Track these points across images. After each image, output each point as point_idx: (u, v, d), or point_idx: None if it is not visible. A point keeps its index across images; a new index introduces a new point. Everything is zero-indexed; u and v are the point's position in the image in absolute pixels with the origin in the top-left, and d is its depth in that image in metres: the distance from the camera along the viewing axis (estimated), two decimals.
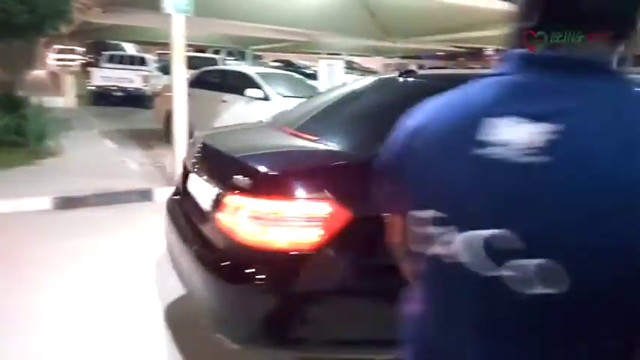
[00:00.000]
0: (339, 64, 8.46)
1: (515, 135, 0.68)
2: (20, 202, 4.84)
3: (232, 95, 7.93)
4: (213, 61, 15.38)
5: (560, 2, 0.72)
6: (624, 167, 0.63)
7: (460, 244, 0.72)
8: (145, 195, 5.38)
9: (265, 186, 1.98)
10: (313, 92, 8.51)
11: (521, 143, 0.67)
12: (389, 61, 21.29)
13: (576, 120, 0.67)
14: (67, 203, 4.98)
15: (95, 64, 15.59)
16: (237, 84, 7.92)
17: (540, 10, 0.73)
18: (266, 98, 7.56)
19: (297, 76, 9.77)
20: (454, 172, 0.74)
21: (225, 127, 3.88)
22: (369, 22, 9.20)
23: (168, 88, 7.52)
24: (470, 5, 7.31)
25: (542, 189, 0.66)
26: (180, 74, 5.50)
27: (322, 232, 1.89)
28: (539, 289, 0.66)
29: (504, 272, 0.68)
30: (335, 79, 7.93)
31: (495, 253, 0.68)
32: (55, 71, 16.92)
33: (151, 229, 4.45)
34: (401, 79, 2.77)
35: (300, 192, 1.93)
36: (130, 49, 20.05)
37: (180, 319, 2.92)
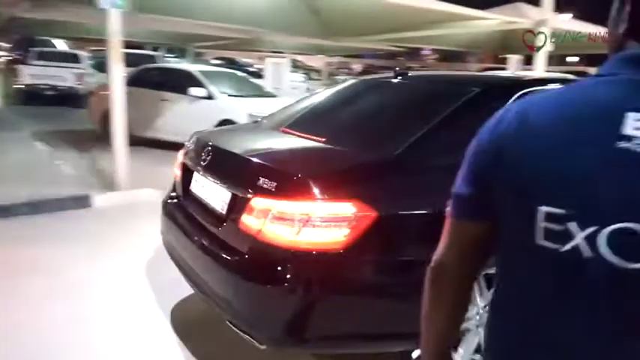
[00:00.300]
0: (285, 63, 8.38)
1: None
2: None
3: (174, 94, 7.72)
4: (152, 59, 14.86)
5: None
6: None
7: (587, 239, 0.71)
8: (82, 201, 5.04)
9: (292, 188, 2.03)
10: (258, 91, 8.42)
11: None
12: (331, 59, 21.44)
13: None
14: None
15: (23, 62, 14.65)
16: (180, 82, 7.72)
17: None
18: (210, 97, 7.40)
19: (240, 74, 9.63)
20: (587, 167, 0.72)
21: (222, 128, 3.89)
22: (313, 20, 9.21)
23: (104, 86, 7.17)
24: (411, 5, 7.42)
25: None
26: (118, 72, 5.22)
27: (348, 231, 1.96)
28: None
29: (633, 265, 0.68)
30: (281, 78, 7.84)
31: (624, 247, 0.69)
32: None
33: (91, 237, 4.20)
34: (397, 80, 2.93)
35: (326, 193, 1.99)
36: (60, 45, 18.97)
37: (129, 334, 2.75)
